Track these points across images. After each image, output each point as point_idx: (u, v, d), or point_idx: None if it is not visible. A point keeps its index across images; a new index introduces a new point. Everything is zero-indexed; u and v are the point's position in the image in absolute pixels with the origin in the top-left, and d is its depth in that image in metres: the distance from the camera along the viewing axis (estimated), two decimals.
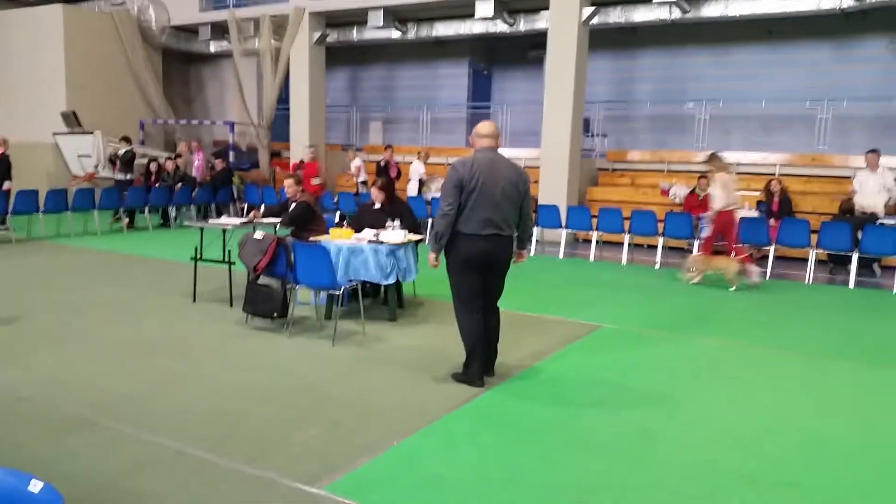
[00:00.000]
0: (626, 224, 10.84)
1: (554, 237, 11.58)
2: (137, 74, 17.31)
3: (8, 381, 4.84)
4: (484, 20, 13.84)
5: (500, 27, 14.00)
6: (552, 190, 12.53)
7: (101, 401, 4.52)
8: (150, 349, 5.71)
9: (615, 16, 12.75)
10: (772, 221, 10.22)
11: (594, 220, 11.15)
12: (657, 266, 10.40)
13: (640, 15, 12.62)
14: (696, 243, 9.94)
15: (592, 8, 12.50)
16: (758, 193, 11.40)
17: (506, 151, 14.55)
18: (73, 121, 15.40)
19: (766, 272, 9.59)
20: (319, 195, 12.15)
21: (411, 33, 15.09)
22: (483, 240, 4.70)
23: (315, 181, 12.42)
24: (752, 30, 13.42)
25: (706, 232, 9.19)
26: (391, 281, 6.58)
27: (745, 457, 3.92)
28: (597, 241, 11.01)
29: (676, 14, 12.22)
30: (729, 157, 13.09)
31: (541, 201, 12.28)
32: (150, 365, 5.31)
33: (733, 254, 8.97)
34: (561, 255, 11.21)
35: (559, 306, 7.62)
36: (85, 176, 14.58)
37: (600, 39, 13.71)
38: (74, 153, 15.10)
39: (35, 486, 1.72)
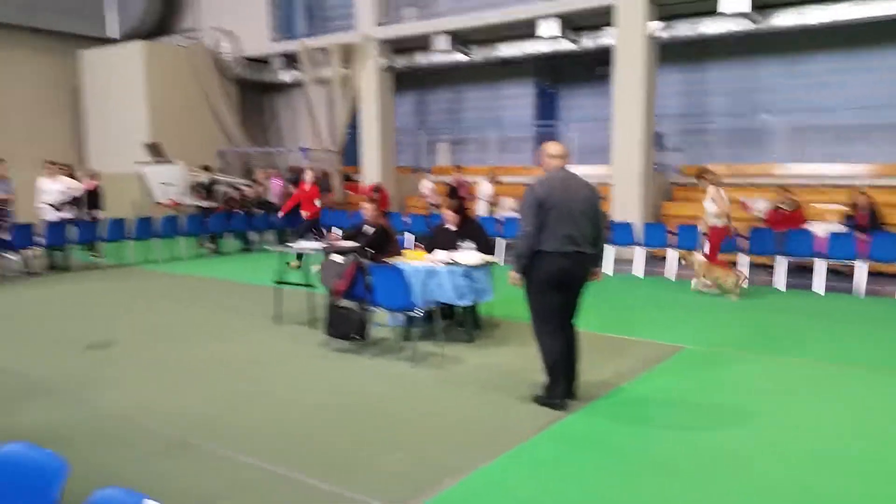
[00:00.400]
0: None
1: (627, 255, 11.39)
2: (215, 105, 18.05)
3: (106, 403, 5.09)
4: (548, 39, 13.84)
5: (565, 45, 13.97)
6: (625, 206, 12.35)
7: (195, 422, 4.70)
8: (239, 371, 5.90)
9: (684, 29, 12.54)
10: (860, 235, 9.78)
11: (671, 237, 10.92)
12: (743, 283, 10.08)
13: (710, 27, 12.37)
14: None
15: (660, 23, 12.35)
16: (840, 207, 10.92)
17: (574, 169, 14.44)
18: (157, 151, 16.16)
19: (856, 288, 9.19)
20: (317, 217, 12.03)
21: (476, 55, 15.23)
22: (564, 257, 4.72)
23: (316, 202, 12.22)
24: (825, 37, 12.96)
25: (706, 247, 9.40)
26: (467, 302, 6.61)
27: (837, 478, 3.76)
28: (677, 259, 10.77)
29: (748, 25, 11.93)
30: (809, 169, 12.73)
31: (613, 218, 12.12)
32: (239, 386, 5.49)
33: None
34: (639, 272, 11.01)
35: (640, 326, 7.49)
36: (168, 203, 15.23)
37: (669, 53, 13.51)
38: (158, 182, 15.82)
39: None
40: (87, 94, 18.27)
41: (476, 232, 7.24)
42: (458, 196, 12.74)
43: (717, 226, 9.26)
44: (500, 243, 12.07)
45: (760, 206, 11.66)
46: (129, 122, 17.08)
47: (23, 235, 10.72)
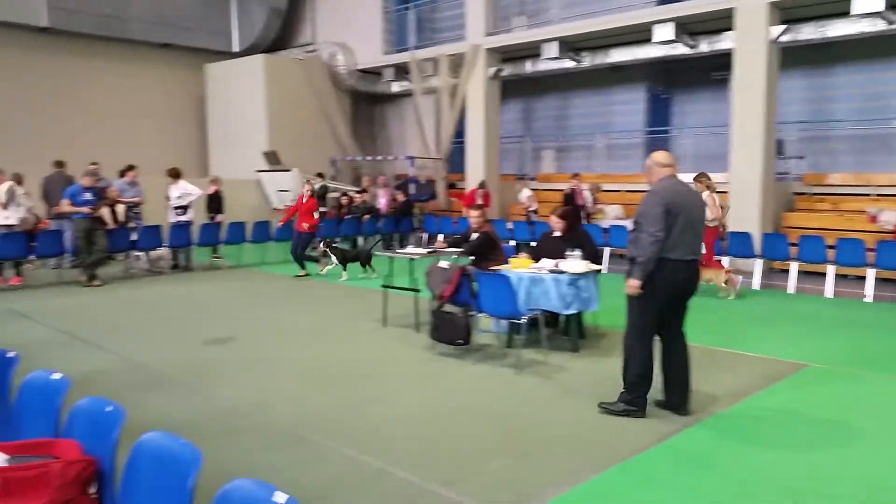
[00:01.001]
0: (830, 253, 9.91)
1: (745, 267, 10.84)
2: (328, 115, 18.71)
3: (224, 396, 5.33)
4: (663, 44, 13.43)
5: (681, 49, 13.51)
6: (743, 216, 11.75)
7: (306, 418, 4.84)
8: (347, 369, 6.05)
9: (808, 32, 11.83)
10: None
11: (792, 249, 10.30)
12: (867, 299, 9.38)
13: (838, 29, 11.60)
14: None
15: (783, 26, 11.71)
16: None
17: (689, 177, 13.95)
18: (274, 159, 16.92)
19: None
20: (314, 231, 11.54)
21: (586, 61, 15.01)
22: (687, 265, 4.69)
23: (316, 214, 11.71)
24: None
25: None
26: (572, 311, 6.48)
27: None
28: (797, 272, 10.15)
29: (881, 26, 11.09)
30: None
31: (730, 228, 11.57)
32: (347, 385, 5.62)
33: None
34: (756, 285, 10.45)
35: (759, 342, 7.08)
36: (284, 209, 15.89)
37: (791, 56, 12.78)
38: (275, 188, 16.55)
39: (280, 497, 1.84)
40: (211, 105, 19.41)
41: (583, 240, 7.10)
42: (574, 204, 12.60)
43: (709, 227, 9.43)
44: (606, 252, 11.79)
45: (888, 217, 10.81)
46: (249, 131, 17.99)
47: (149, 237, 11.48)
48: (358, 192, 15.70)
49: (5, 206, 10.45)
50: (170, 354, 6.55)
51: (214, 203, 13.17)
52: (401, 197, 15.49)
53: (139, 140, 17.82)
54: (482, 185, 14.64)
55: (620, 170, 16.30)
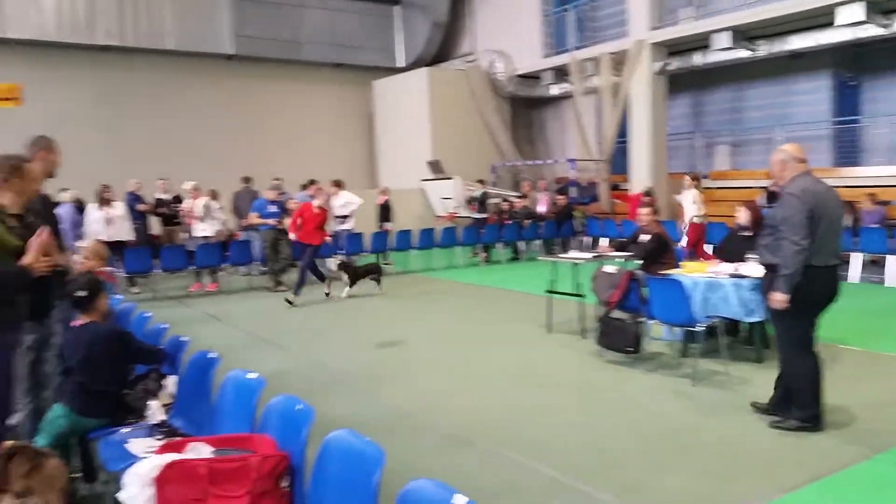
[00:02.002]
0: None
1: None
2: (488, 122, 18.95)
3: (395, 398, 5.53)
4: (850, 26, 12.21)
5: (872, 31, 12.20)
6: None
7: (475, 422, 4.89)
8: (514, 375, 6.05)
9: None
10: None
11: None
12: None
13: None
14: None
15: None
16: None
17: (883, 169, 12.62)
18: (437, 168, 17.41)
19: None
20: (319, 244, 10.13)
21: (762, 50, 14.00)
22: (833, 271, 4.44)
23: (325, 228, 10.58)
24: None
25: (683, 242, 9.96)
26: (756, 318, 6.03)
27: None
28: None
29: None
30: None
31: None
32: (515, 390, 5.62)
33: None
34: None
35: None
36: (447, 216, 16.28)
37: None
38: (438, 196, 17.02)
39: (460, 500, 1.86)
40: (379, 119, 20.35)
41: None
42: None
43: (696, 223, 10.03)
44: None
45: None
46: (414, 142, 18.64)
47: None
48: (518, 197, 15.72)
49: (202, 219, 11.58)
50: (346, 355, 6.91)
51: (384, 212, 13.77)
52: (561, 200, 15.30)
53: (314, 155, 19.06)
54: (648, 194, 13.82)
55: None
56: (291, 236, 10.50)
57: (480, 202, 15.19)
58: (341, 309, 9.66)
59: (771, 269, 4.42)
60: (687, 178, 10.86)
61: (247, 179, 13.16)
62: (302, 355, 7.01)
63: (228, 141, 18.19)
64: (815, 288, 4.33)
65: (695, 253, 9.75)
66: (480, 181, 15.84)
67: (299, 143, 19.25)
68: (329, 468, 2.53)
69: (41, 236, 3.28)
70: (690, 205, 10.41)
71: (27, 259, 3.12)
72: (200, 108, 17.95)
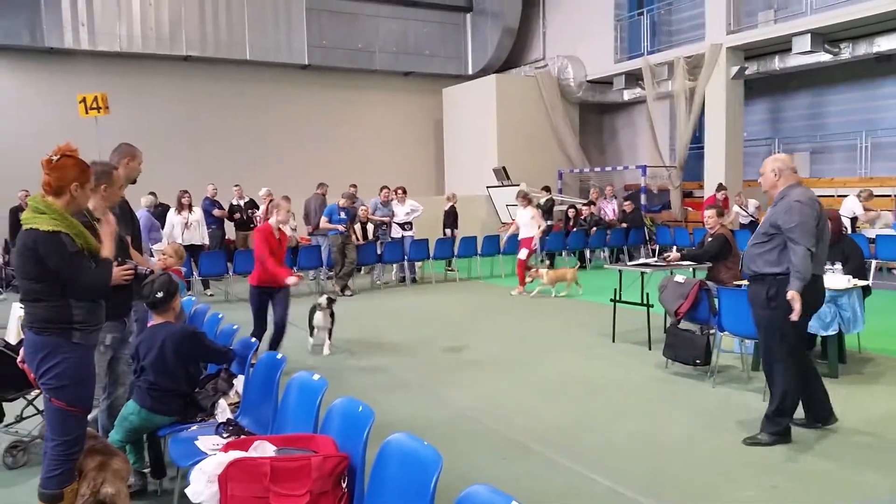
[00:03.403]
0: None
1: None
2: (556, 129, 18.79)
3: (457, 402, 5.55)
4: None
5: None
6: None
7: (535, 428, 4.86)
8: (576, 384, 5.98)
9: None
10: None
11: None
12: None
13: None
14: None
15: None
16: None
17: None
18: (503, 175, 17.37)
19: None
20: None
21: (845, 53, 13.42)
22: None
23: (286, 230, 8.26)
24: None
25: (523, 254, 11.12)
26: (832, 332, 5.79)
27: None
28: None
29: None
30: None
31: None
32: (576, 399, 5.55)
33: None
34: None
35: None
36: (512, 223, 16.22)
37: None
38: (504, 203, 16.97)
39: None
40: (448, 126, 20.48)
41: (849, 251, 6.31)
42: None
43: (529, 237, 11.14)
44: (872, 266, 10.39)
45: None
46: (481, 149, 18.66)
47: (391, 251, 12.38)
48: (585, 204, 15.53)
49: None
50: (409, 358, 6.98)
51: (450, 219, 13.84)
52: (629, 207, 15.01)
53: (385, 162, 19.34)
54: (720, 188, 13.66)
55: (889, 172, 14.28)
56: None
57: (546, 210, 15.05)
58: (403, 312, 9.75)
59: (759, 278, 4.39)
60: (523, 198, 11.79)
61: (321, 186, 13.36)
62: (365, 357, 7.12)
63: (301, 148, 18.66)
64: (811, 296, 4.30)
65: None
66: (546, 188, 15.72)
67: (369, 151, 19.57)
68: (387, 470, 2.57)
69: (110, 226, 3.39)
70: (530, 220, 11.34)
71: (105, 251, 3.25)
72: (275, 117, 18.49)
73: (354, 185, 12.47)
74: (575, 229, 14.45)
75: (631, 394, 5.71)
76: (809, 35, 13.11)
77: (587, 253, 14.47)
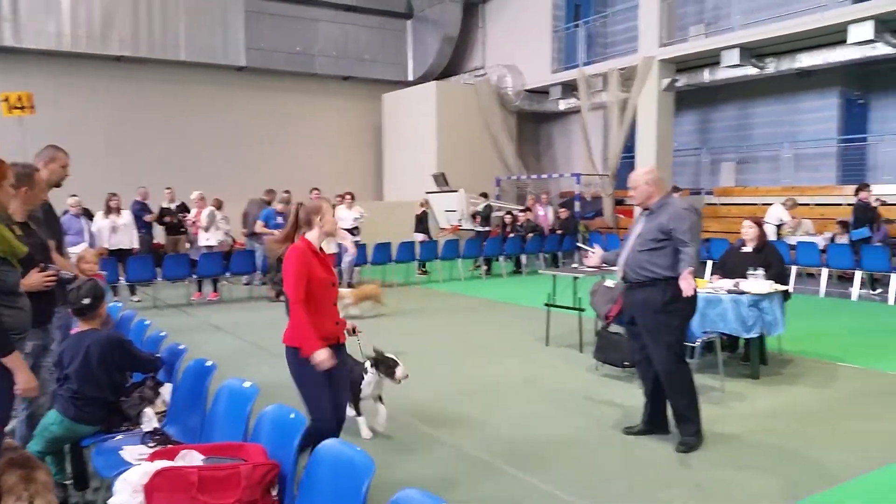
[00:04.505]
0: None
1: None
2: (495, 136, 19.02)
3: (397, 410, 5.52)
4: (859, 45, 12.24)
5: (881, 50, 12.23)
6: None
7: (470, 433, 4.89)
8: (510, 388, 6.06)
9: None
10: None
11: None
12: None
13: None
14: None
15: None
16: None
17: (890, 188, 12.62)
18: (442, 181, 17.47)
19: None
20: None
21: (770, 68, 14.05)
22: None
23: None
24: None
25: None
26: (754, 334, 6.04)
27: None
28: None
29: None
30: None
31: None
32: (510, 403, 5.62)
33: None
34: None
35: None
36: (451, 228, 16.33)
37: None
38: (442, 209, 17.06)
39: None
40: (387, 132, 20.46)
41: (771, 257, 6.60)
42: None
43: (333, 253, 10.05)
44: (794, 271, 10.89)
45: None
46: (420, 155, 18.72)
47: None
48: (522, 210, 15.76)
49: (206, 228, 11.65)
50: None
51: (422, 224, 14.32)
52: (564, 214, 15.33)
53: (324, 167, 19.18)
54: (676, 190, 14.12)
55: (810, 182, 15.01)
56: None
57: (484, 216, 15.25)
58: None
59: (652, 283, 4.48)
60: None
61: (269, 192, 13.05)
62: None
63: (238, 152, 18.34)
64: (691, 300, 4.52)
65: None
66: (484, 195, 15.90)
67: (308, 155, 19.37)
68: (319, 477, 2.56)
69: (45, 271, 3.43)
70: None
71: (26, 282, 3.21)
72: (210, 119, 18.11)
73: (288, 191, 12.30)
74: (512, 235, 14.64)
75: (566, 398, 5.81)
76: (738, 49, 13.68)
77: (523, 258, 14.68)
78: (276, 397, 3.45)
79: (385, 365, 4.84)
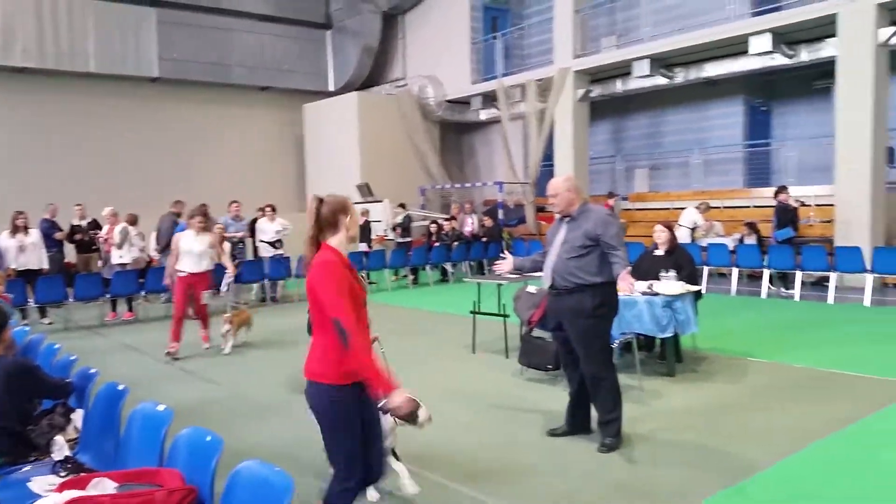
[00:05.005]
0: None
1: (855, 283, 10.20)
2: (418, 146, 19.11)
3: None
4: (760, 55, 12.96)
5: (779, 60, 12.98)
6: (852, 230, 11.09)
7: (400, 444, 4.88)
8: (437, 396, 6.05)
9: None
10: None
11: None
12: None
13: None
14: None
15: (893, 28, 11.05)
16: None
17: (791, 190, 13.32)
18: (366, 191, 17.41)
19: None
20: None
21: (679, 77, 14.68)
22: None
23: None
24: None
25: (206, 296, 8.49)
26: (668, 334, 6.28)
27: None
28: None
29: None
30: None
31: (839, 242, 10.99)
32: (437, 411, 5.62)
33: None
34: (867, 302, 9.81)
35: (869, 362, 6.61)
36: (376, 239, 16.28)
37: None
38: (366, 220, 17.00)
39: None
40: (309, 143, 20.25)
41: (682, 259, 6.87)
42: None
43: (204, 271, 8.21)
44: (706, 272, 11.38)
45: None
46: (343, 166, 18.61)
47: (251, 270, 12.04)
48: (446, 219, 15.90)
49: (119, 246, 11.21)
50: (269, 384, 6.79)
51: (365, 233, 14.31)
52: (488, 222, 15.56)
53: (244, 179, 18.78)
54: (611, 195, 14.60)
55: (719, 185, 15.75)
56: None
57: (404, 227, 15.36)
58: (265, 336, 9.50)
59: (580, 289, 4.58)
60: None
61: (177, 203, 12.67)
62: (223, 386, 6.85)
63: (153, 165, 17.75)
64: (616, 300, 4.74)
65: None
66: (402, 205, 15.93)
67: (227, 167, 18.96)
68: (237, 499, 2.51)
69: None
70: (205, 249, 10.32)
71: None
72: (123, 133, 17.48)
73: (205, 205, 11.97)
74: (437, 244, 14.73)
75: (492, 402, 5.89)
76: (648, 60, 14.23)
77: (449, 267, 14.79)
78: (193, 419, 3.37)
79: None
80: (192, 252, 8.07)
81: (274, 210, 12.67)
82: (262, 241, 12.65)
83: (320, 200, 3.12)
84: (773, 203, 11.74)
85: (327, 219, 3.10)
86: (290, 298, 12.58)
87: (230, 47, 19.08)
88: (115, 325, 10.52)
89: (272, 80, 19.95)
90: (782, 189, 11.65)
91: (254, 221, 13.39)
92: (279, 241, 12.54)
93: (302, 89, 20.38)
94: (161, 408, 3.19)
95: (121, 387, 3.61)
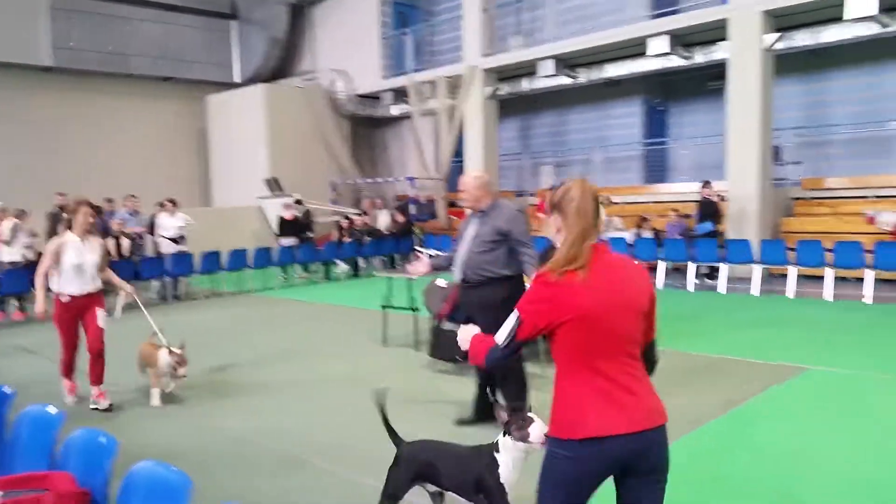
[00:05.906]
0: (829, 256, 9.92)
1: (744, 273, 10.86)
2: (328, 141, 18.90)
3: (226, 423, 5.36)
4: (657, 56, 13.55)
5: (676, 62, 13.62)
6: (742, 223, 11.79)
7: (308, 441, 4.86)
8: (349, 390, 6.07)
9: (802, 39, 11.93)
10: None
11: (791, 254, 10.32)
12: (867, 300, 9.37)
13: (832, 35, 11.69)
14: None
15: (777, 34, 11.81)
16: None
17: (688, 186, 13.97)
18: (275, 186, 17.07)
19: None
20: None
21: (582, 77, 15.14)
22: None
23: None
24: None
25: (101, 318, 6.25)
26: None
27: None
28: (796, 276, 10.17)
29: (875, 30, 11.16)
30: None
31: (730, 235, 11.66)
32: (349, 405, 5.63)
33: None
34: (755, 291, 10.46)
35: (757, 348, 7.08)
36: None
37: (786, 63, 12.86)
38: (276, 214, 16.65)
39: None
40: (213, 135, 19.63)
41: None
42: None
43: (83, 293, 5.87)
44: None
45: (886, 218, 10.86)
46: (251, 159, 18.16)
47: (151, 266, 11.60)
48: (358, 214, 15.80)
49: (8, 242, 10.55)
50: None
51: (295, 227, 13.96)
52: (400, 217, 15.58)
53: (144, 173, 18.01)
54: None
55: (619, 182, 16.37)
56: None
57: (303, 224, 15.16)
58: (168, 333, 9.16)
59: (489, 282, 4.66)
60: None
61: (61, 195, 12.05)
62: (125, 384, 6.58)
63: (45, 159, 16.76)
64: (520, 291, 4.84)
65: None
66: (298, 201, 15.50)
67: (126, 160, 18.13)
68: (133, 501, 2.44)
69: None
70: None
71: None
72: (12, 124, 16.44)
73: (110, 199, 11.50)
74: (349, 239, 14.63)
75: (403, 396, 5.91)
76: (552, 60, 14.60)
77: (360, 261, 14.72)
78: (96, 422, 3.24)
79: (515, 424, 2.80)
80: (82, 266, 5.73)
81: (175, 204, 12.24)
82: (162, 237, 12.20)
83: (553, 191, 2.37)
84: (667, 199, 12.32)
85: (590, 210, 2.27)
86: (194, 296, 12.20)
87: (130, 36, 18.28)
88: (3, 326, 9.91)
89: (174, 71, 19.24)
90: (707, 184, 11.85)
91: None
92: (182, 236, 12.12)
93: (206, 80, 19.75)
94: (52, 410, 3.04)
95: (7, 390, 3.42)
